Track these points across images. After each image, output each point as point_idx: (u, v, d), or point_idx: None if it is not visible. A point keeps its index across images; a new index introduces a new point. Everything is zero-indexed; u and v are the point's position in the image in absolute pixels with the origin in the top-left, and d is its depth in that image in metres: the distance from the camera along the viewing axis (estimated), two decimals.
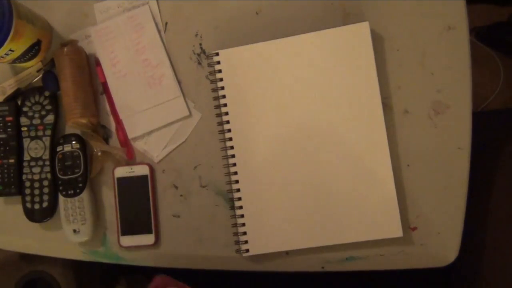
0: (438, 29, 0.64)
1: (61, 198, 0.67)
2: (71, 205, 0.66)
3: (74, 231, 0.67)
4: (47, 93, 0.69)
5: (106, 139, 0.70)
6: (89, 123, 0.67)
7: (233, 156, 0.65)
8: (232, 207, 0.65)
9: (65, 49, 0.66)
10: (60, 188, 0.67)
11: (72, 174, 0.67)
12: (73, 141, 0.67)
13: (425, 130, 0.64)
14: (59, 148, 0.67)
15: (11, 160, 0.68)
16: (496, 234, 0.84)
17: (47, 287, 0.89)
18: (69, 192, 0.67)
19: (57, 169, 0.67)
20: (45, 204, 0.68)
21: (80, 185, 0.67)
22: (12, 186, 0.68)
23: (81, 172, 0.67)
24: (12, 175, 0.68)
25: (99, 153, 0.67)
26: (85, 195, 0.67)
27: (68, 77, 0.65)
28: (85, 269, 0.96)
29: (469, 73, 0.64)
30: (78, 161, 0.67)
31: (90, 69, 0.69)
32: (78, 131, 0.69)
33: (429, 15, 0.64)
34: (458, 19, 0.64)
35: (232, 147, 0.65)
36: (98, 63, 0.70)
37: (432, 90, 0.64)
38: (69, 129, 0.70)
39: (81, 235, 0.67)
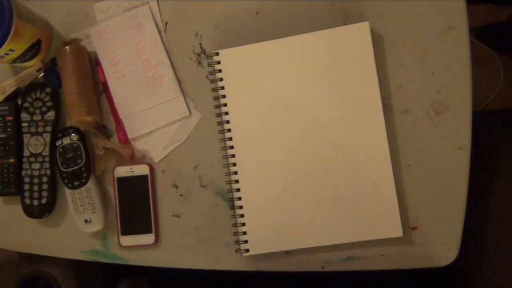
0: (438, 29, 0.64)
1: (67, 192, 0.67)
2: (79, 196, 0.67)
3: (86, 221, 0.67)
4: (48, 90, 0.69)
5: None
6: (94, 121, 0.67)
7: (233, 156, 0.65)
8: (232, 207, 0.65)
9: (69, 47, 0.66)
10: (65, 181, 0.67)
11: (75, 165, 0.67)
12: (72, 133, 0.67)
13: (425, 130, 0.64)
14: (58, 143, 0.68)
15: (11, 160, 0.68)
16: (496, 234, 0.84)
17: (47, 287, 0.89)
18: (75, 183, 0.67)
19: (59, 163, 0.67)
20: (44, 200, 0.68)
21: (85, 174, 0.67)
22: (12, 186, 0.68)
23: (83, 162, 0.67)
24: (11, 174, 0.68)
25: (101, 153, 0.67)
26: (91, 184, 0.67)
27: (72, 75, 0.66)
28: (85, 269, 0.96)
29: (469, 73, 0.64)
30: (79, 152, 0.67)
31: (92, 67, 0.69)
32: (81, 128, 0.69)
33: (429, 15, 0.64)
34: (458, 19, 0.64)
35: (232, 147, 0.65)
36: (98, 63, 0.70)
37: (432, 90, 0.64)
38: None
39: (94, 224, 0.67)
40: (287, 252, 0.66)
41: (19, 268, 0.90)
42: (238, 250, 0.65)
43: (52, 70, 0.70)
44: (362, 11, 0.65)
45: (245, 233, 0.64)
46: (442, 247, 0.64)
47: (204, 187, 0.68)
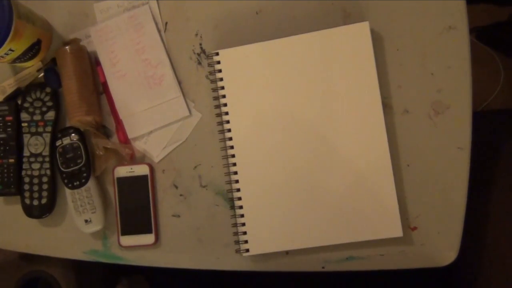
0: (438, 29, 0.64)
1: (67, 192, 0.67)
2: (79, 196, 0.67)
3: (86, 221, 0.67)
4: (48, 90, 0.69)
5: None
6: (94, 121, 0.67)
7: (233, 156, 0.65)
8: (232, 207, 0.65)
9: (69, 47, 0.66)
10: (65, 181, 0.67)
11: (75, 165, 0.67)
12: (72, 133, 0.67)
13: (425, 130, 0.64)
14: (58, 143, 0.68)
15: (11, 160, 0.68)
16: (496, 234, 0.84)
17: (47, 287, 0.89)
18: (75, 183, 0.67)
19: (59, 163, 0.67)
20: (44, 201, 0.68)
21: (85, 174, 0.67)
22: (12, 186, 0.68)
23: (83, 162, 0.67)
24: (12, 174, 0.68)
25: (101, 153, 0.67)
26: (91, 184, 0.67)
27: (72, 75, 0.66)
28: (85, 269, 0.96)
29: (469, 73, 0.64)
30: (79, 152, 0.67)
31: (92, 67, 0.69)
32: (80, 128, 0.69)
33: (429, 15, 0.64)
34: (458, 19, 0.64)
35: (232, 147, 0.65)
36: (98, 63, 0.70)
37: (432, 90, 0.64)
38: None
39: (94, 224, 0.67)
40: (287, 252, 0.66)
41: (19, 268, 0.90)
42: (238, 250, 0.65)
43: (52, 70, 0.70)
44: (362, 11, 0.65)
45: (245, 233, 0.64)
46: (442, 247, 0.64)
47: (204, 187, 0.68)
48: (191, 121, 0.69)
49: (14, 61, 0.66)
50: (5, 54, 0.62)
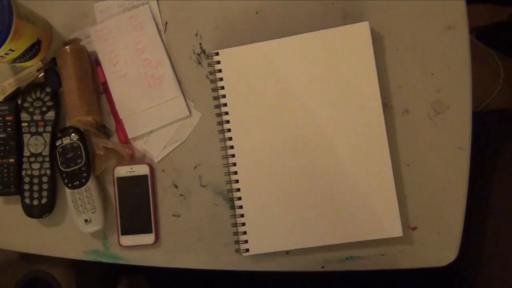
0: (438, 29, 0.64)
1: (67, 192, 0.67)
2: (79, 196, 0.67)
3: (86, 221, 0.67)
4: (48, 90, 0.69)
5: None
6: (94, 121, 0.67)
7: (233, 156, 0.65)
8: (232, 207, 0.65)
9: (69, 47, 0.66)
10: (65, 181, 0.67)
11: (75, 165, 0.67)
12: (72, 133, 0.68)
13: (425, 130, 0.64)
14: (58, 142, 0.68)
15: (11, 160, 0.68)
16: (496, 234, 0.85)
17: (47, 287, 0.89)
18: (75, 183, 0.67)
19: (59, 163, 0.67)
20: (44, 200, 0.68)
21: (85, 174, 0.67)
22: (12, 186, 0.68)
23: (83, 162, 0.67)
24: (12, 174, 0.68)
25: (101, 153, 0.67)
26: (91, 184, 0.67)
27: (72, 75, 0.66)
28: (85, 269, 0.96)
29: (469, 73, 0.64)
30: (79, 152, 0.67)
31: (92, 67, 0.69)
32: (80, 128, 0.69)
33: (429, 15, 0.64)
34: (458, 19, 0.64)
35: (232, 147, 0.65)
36: (98, 63, 0.70)
37: (432, 90, 0.64)
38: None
39: (93, 224, 0.67)
40: (287, 252, 0.66)
41: (19, 268, 0.90)
42: (238, 250, 0.65)
43: (52, 70, 0.70)
44: (362, 11, 0.65)
45: (245, 233, 0.64)
46: (442, 247, 0.64)
47: (204, 187, 0.68)
48: (191, 121, 0.69)
49: (14, 61, 0.66)
50: (5, 54, 0.62)
